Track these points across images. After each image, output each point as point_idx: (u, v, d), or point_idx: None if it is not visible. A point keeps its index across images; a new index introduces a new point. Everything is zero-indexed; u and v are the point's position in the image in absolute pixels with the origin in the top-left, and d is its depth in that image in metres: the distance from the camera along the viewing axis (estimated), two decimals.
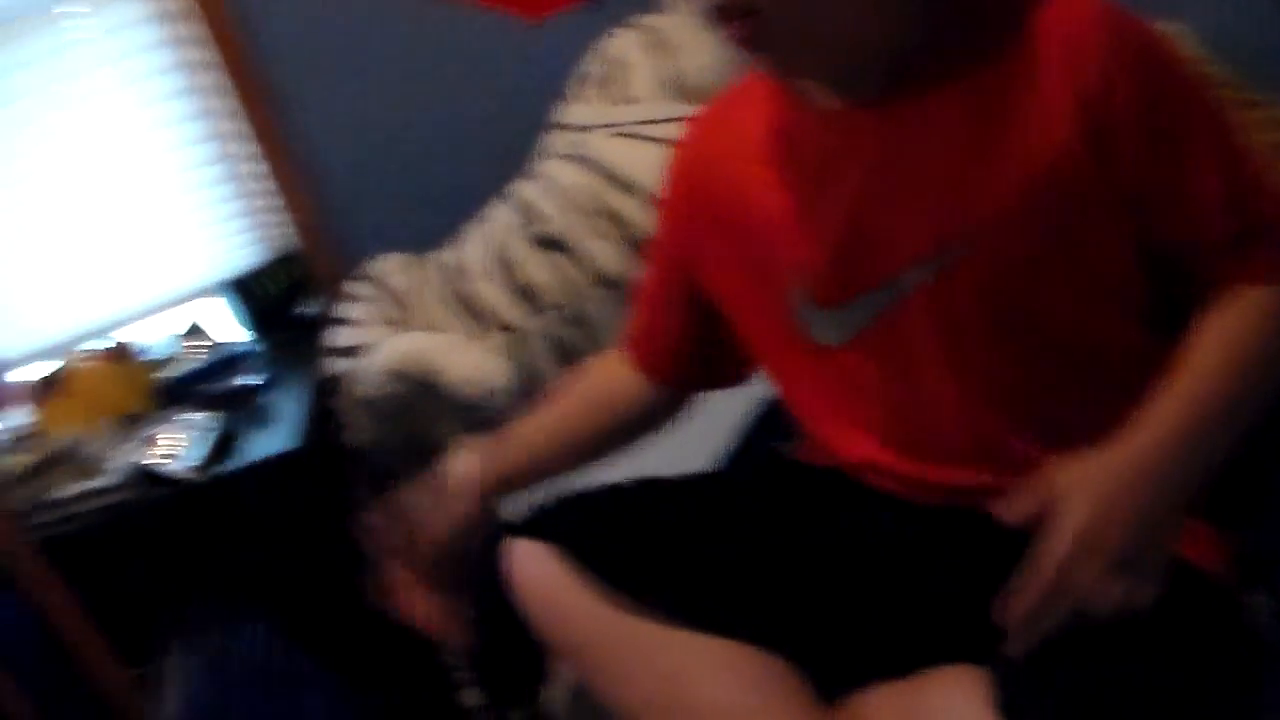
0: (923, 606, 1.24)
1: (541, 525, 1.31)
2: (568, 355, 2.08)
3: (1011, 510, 1.11)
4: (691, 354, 1.46)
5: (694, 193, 1.38)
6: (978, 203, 1.19)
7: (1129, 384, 1.21)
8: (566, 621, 1.26)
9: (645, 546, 1.27)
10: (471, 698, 1.78)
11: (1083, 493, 1.11)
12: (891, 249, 1.22)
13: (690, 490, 1.38)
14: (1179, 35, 2.02)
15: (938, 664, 1.18)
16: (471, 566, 1.40)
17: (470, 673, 1.98)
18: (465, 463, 1.44)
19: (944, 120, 1.20)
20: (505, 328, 2.08)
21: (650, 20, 2.25)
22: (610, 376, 1.52)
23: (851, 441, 1.33)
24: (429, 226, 2.34)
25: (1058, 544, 1.09)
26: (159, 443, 2.20)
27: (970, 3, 1.22)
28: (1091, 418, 1.20)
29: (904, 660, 1.19)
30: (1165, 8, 2.05)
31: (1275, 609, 1.21)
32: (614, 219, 2.04)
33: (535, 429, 1.50)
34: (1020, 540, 1.18)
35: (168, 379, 2.43)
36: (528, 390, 2.08)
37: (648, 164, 2.00)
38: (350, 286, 2.29)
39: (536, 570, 1.27)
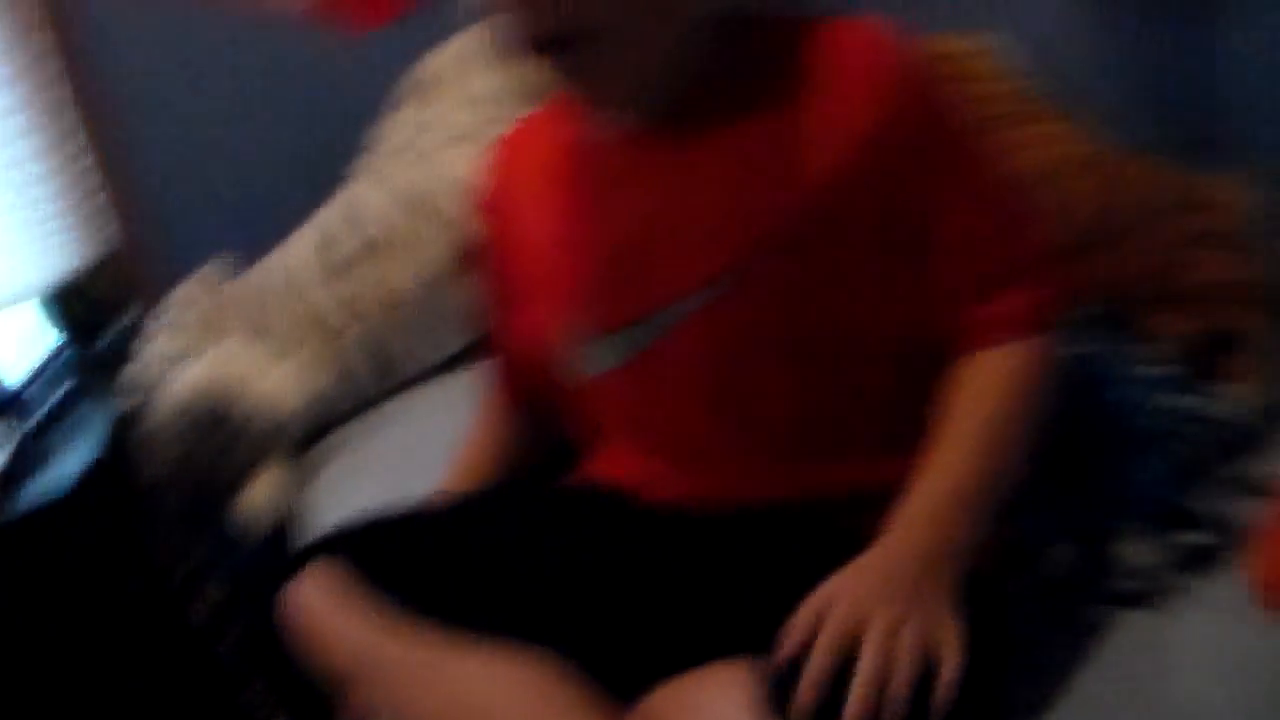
0: (701, 607, 1.26)
1: (315, 551, 1.29)
2: (385, 363, 2.07)
3: (787, 643, 1.09)
4: (537, 384, 1.47)
5: (498, 220, 1.41)
6: (750, 232, 1.21)
7: (893, 413, 1.25)
8: (339, 645, 1.24)
9: (422, 565, 1.28)
10: None
11: (841, 596, 1.10)
12: (663, 279, 1.25)
13: (469, 509, 1.38)
14: (997, 46, 2.07)
15: (720, 658, 1.19)
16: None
17: (270, 708, 1.94)
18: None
19: (721, 149, 1.23)
20: (324, 336, 2.06)
21: (472, 35, 2.25)
22: (492, 418, 1.55)
23: (624, 463, 1.35)
24: (256, 232, 2.31)
25: (822, 641, 1.07)
26: None
27: (753, 32, 1.25)
28: (857, 441, 1.24)
29: (688, 658, 1.20)
30: (984, 19, 2.11)
31: (1079, 559, 1.26)
32: (438, 224, 2.05)
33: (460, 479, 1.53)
34: (794, 539, 1.21)
35: None
36: (337, 404, 2.07)
37: (467, 172, 1.99)
38: (159, 310, 2.25)
39: (307, 596, 1.26)
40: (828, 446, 1.29)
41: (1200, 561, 1.35)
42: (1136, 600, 1.32)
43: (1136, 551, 1.34)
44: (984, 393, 1.23)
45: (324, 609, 1.24)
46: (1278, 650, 1.23)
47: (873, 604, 1.08)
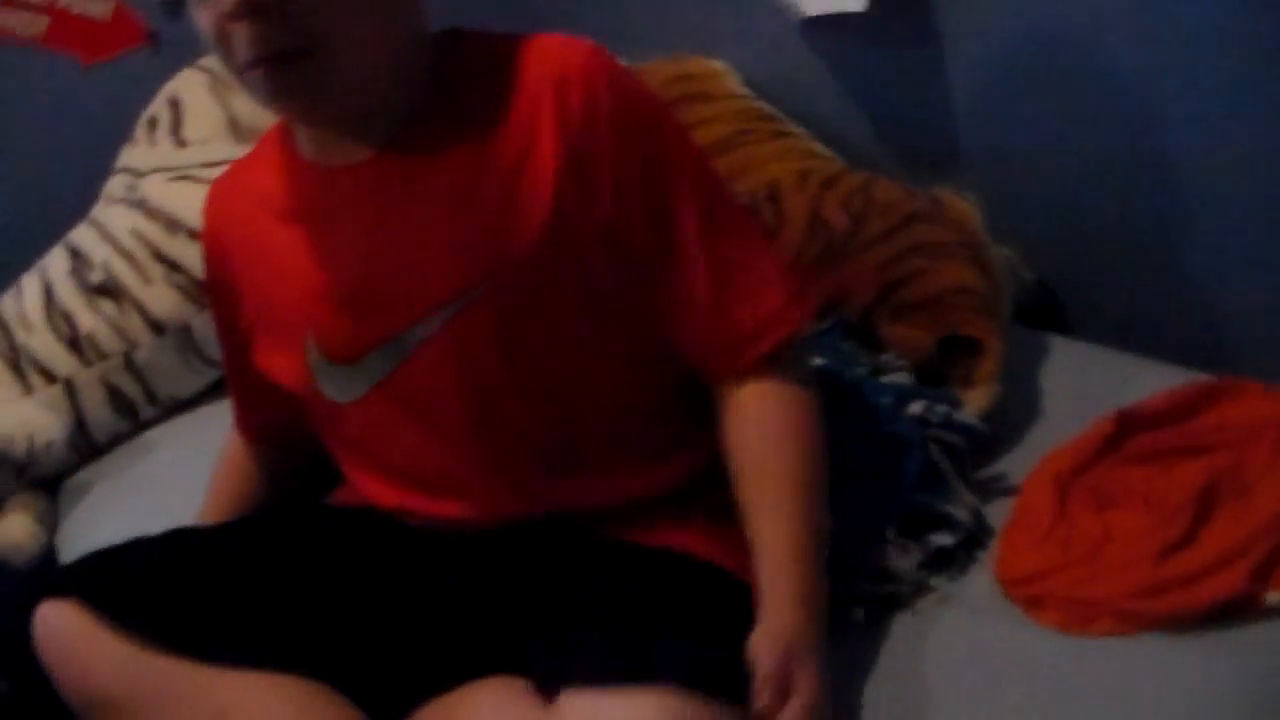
0: (461, 625, 1.27)
1: (65, 583, 1.25)
2: (123, 404, 2.01)
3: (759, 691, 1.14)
4: (278, 419, 1.45)
5: (222, 262, 1.38)
6: (481, 254, 1.22)
7: (640, 427, 1.29)
8: (94, 676, 1.21)
9: (177, 594, 1.24)
10: None
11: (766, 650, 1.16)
12: (399, 305, 1.25)
13: (223, 535, 1.36)
14: (722, 72, 2.13)
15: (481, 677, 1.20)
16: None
17: None
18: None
19: (444, 172, 1.23)
20: (58, 380, 1.99)
21: (213, 61, 2.20)
22: (236, 452, 1.53)
23: (376, 488, 1.34)
24: None
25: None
26: None
27: (465, 47, 1.25)
28: (603, 457, 1.26)
29: (450, 677, 1.21)
30: (708, 47, 2.17)
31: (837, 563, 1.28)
32: (169, 264, 1.99)
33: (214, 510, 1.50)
34: (543, 554, 1.25)
35: None
36: (84, 442, 2.01)
37: (187, 213, 1.97)
38: None
39: (59, 627, 1.22)
40: (573, 465, 1.30)
41: (953, 562, 1.40)
42: (894, 602, 1.36)
43: (892, 554, 1.39)
44: (778, 435, 1.26)
45: (76, 642, 1.21)
46: (1025, 643, 1.29)
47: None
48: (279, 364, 1.35)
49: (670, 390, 1.32)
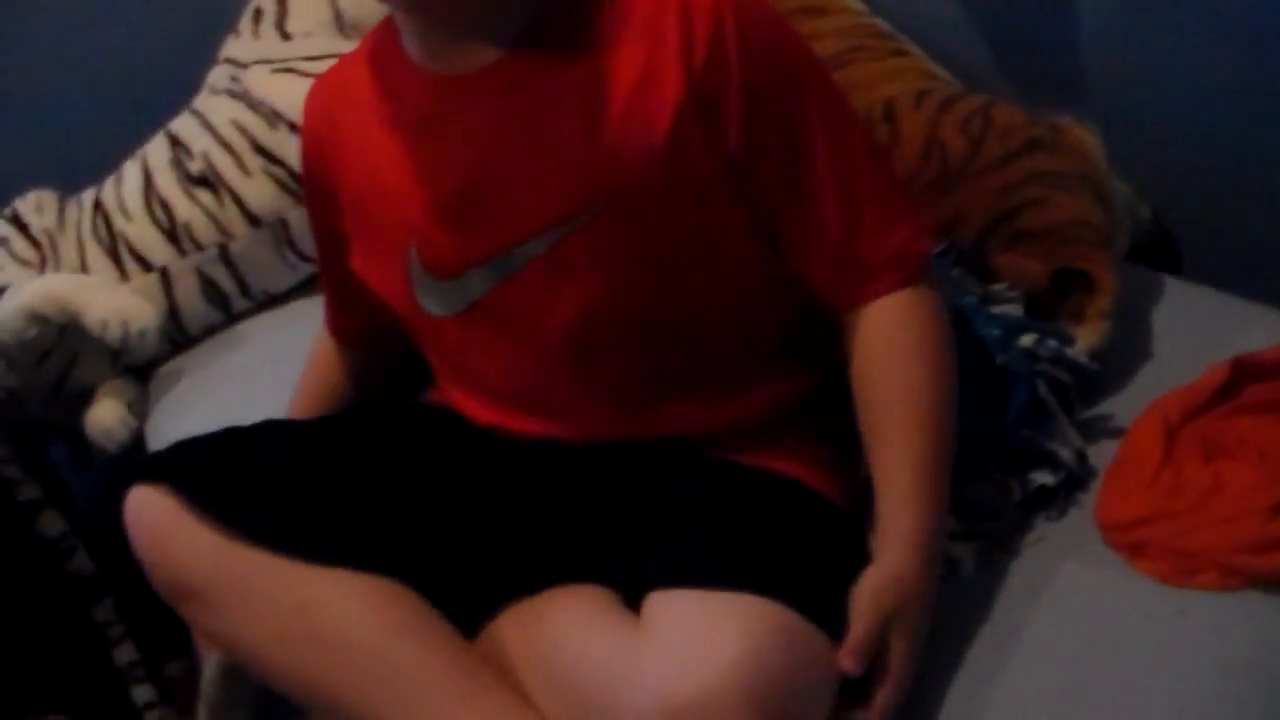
0: (551, 534, 1.26)
1: (156, 469, 1.26)
2: (217, 295, 2.02)
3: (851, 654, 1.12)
4: (371, 323, 1.44)
5: (321, 162, 1.37)
6: (595, 176, 1.19)
7: (745, 352, 1.27)
8: (181, 564, 1.21)
9: (266, 486, 1.24)
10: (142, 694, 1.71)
11: (878, 599, 1.14)
12: (506, 222, 1.22)
13: (314, 430, 1.35)
14: None
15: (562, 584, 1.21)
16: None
17: (121, 626, 1.90)
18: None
19: (561, 89, 1.20)
20: (154, 269, 2.00)
21: None
22: (327, 351, 1.53)
23: (471, 405, 1.33)
24: (83, 160, 2.20)
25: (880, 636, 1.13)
26: None
27: None
28: (707, 382, 1.25)
29: (531, 584, 1.21)
30: None
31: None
32: (268, 156, 1.98)
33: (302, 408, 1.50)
34: (638, 468, 1.23)
35: None
36: (177, 332, 2.03)
37: (290, 107, 1.96)
38: None
39: (148, 513, 1.22)
40: (674, 390, 1.28)
41: (1053, 502, 1.37)
42: (993, 539, 1.33)
43: (993, 491, 1.35)
44: (904, 357, 1.23)
45: (165, 528, 1.21)
46: (1122, 590, 1.26)
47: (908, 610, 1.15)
48: (377, 273, 1.34)
49: (779, 318, 1.29)
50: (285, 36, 2.10)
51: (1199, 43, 1.77)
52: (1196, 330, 1.60)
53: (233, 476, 1.24)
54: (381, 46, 1.30)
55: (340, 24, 2.09)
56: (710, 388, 1.28)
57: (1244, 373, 1.43)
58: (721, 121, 1.17)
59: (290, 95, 1.95)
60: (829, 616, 1.11)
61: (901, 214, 1.24)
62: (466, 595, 1.23)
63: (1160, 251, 1.85)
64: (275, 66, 2.07)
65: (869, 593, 1.13)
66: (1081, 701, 1.16)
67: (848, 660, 1.10)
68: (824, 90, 1.23)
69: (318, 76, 1.43)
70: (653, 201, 1.19)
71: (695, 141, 1.17)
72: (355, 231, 1.36)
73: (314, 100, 1.40)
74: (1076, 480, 1.39)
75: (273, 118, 1.99)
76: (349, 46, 1.45)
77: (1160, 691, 1.16)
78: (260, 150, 1.99)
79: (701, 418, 1.29)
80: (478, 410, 1.34)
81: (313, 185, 1.42)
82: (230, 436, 1.30)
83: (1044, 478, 1.37)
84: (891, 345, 1.23)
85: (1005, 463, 1.38)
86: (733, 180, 1.19)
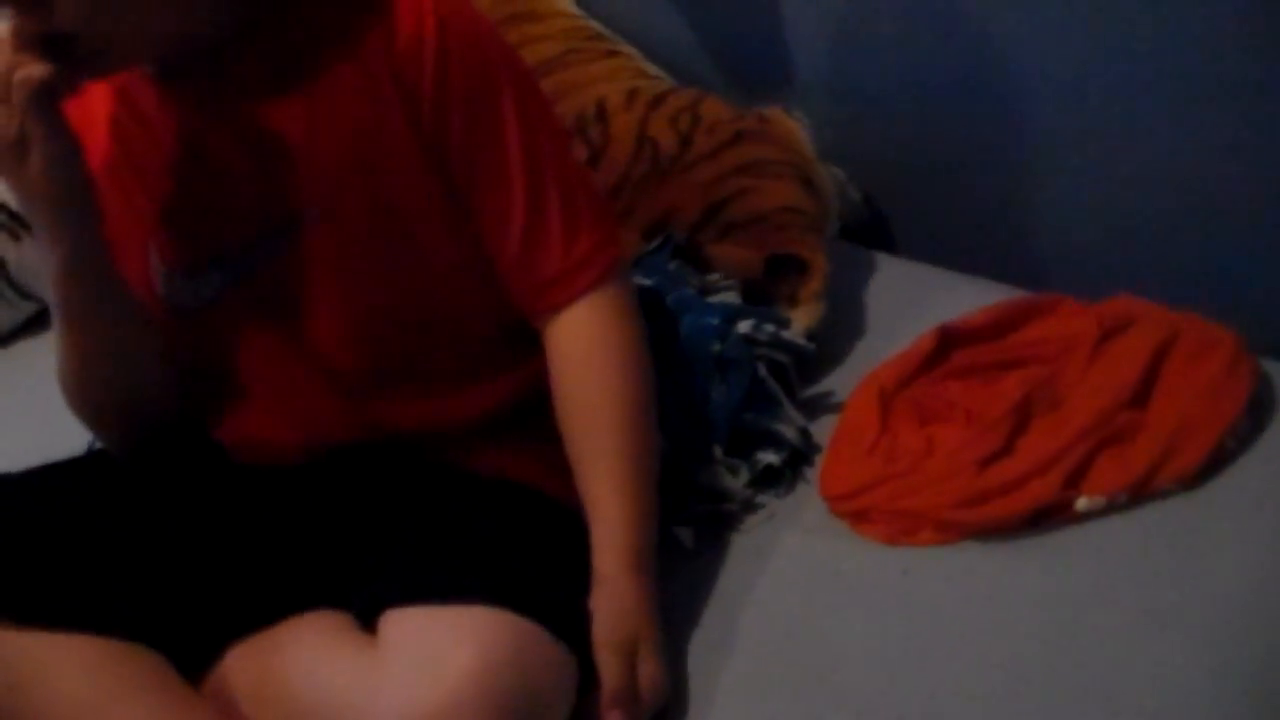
0: (283, 563, 1.24)
1: None
2: None
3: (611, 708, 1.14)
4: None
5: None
6: (313, 172, 1.19)
7: (468, 351, 1.29)
8: None
9: None
10: None
11: (615, 644, 1.16)
12: (234, 223, 1.21)
13: (33, 485, 1.28)
14: None
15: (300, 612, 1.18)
16: None
17: None
18: None
19: (263, 93, 1.20)
20: None
21: None
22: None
23: (212, 417, 1.32)
24: None
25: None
26: None
27: None
28: (433, 379, 1.27)
29: (266, 617, 1.18)
30: None
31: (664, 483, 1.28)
32: None
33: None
34: (371, 483, 1.25)
35: None
36: None
37: None
38: None
39: None
40: (404, 383, 1.29)
41: (781, 480, 1.42)
42: (723, 521, 1.37)
43: (720, 473, 1.40)
44: (598, 373, 1.25)
45: None
46: (849, 556, 1.32)
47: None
48: (132, 270, 1.30)
49: (503, 315, 1.30)
50: None
51: (903, 50, 1.85)
52: (906, 303, 1.68)
53: None
54: None
55: None
56: (438, 382, 1.29)
57: (950, 340, 1.51)
58: (427, 122, 1.19)
59: None
60: (563, 619, 1.12)
61: (591, 221, 1.26)
62: (202, 639, 1.18)
63: (871, 229, 1.93)
64: None
65: (605, 641, 1.15)
66: (810, 661, 1.21)
67: (612, 716, 1.12)
68: (523, 92, 1.25)
69: None
70: (365, 197, 1.21)
71: (405, 141, 1.19)
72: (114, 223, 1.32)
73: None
74: (802, 456, 1.44)
75: None
76: None
77: (891, 645, 1.22)
78: None
79: (434, 413, 1.29)
80: (215, 420, 1.32)
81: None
82: None
83: (769, 457, 1.42)
84: (587, 362, 1.25)
85: (732, 446, 1.42)
86: (437, 175, 1.21)
